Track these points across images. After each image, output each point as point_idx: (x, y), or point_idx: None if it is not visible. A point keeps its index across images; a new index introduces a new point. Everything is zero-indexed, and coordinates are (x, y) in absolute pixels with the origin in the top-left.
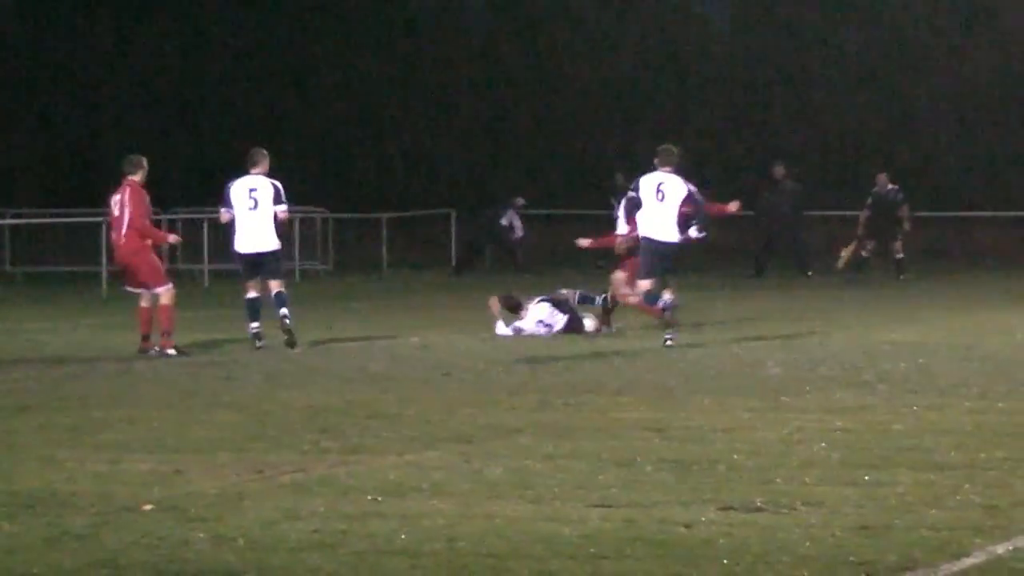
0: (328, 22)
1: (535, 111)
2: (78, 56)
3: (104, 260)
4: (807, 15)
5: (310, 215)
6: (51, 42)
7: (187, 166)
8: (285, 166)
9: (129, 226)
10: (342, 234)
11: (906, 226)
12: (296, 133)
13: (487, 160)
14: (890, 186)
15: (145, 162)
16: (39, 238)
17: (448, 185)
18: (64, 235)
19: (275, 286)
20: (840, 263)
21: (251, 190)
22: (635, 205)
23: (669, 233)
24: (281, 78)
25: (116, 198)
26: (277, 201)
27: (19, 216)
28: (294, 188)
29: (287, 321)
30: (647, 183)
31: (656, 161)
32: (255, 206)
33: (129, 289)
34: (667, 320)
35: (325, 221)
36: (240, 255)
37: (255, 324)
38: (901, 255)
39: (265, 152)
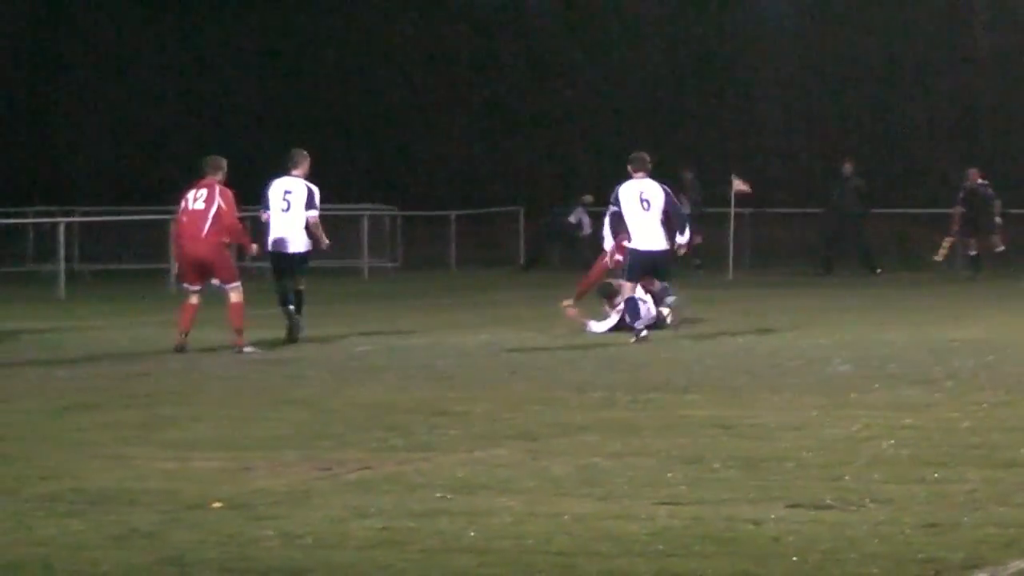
0: (398, 21)
1: (602, 108)
2: (145, 54)
3: (171, 257)
4: (873, 9)
5: (379, 213)
6: (118, 40)
7: (252, 165)
8: (353, 164)
9: (215, 223)
10: (411, 232)
11: (997, 220)
12: (365, 131)
13: (556, 157)
14: (980, 181)
15: (225, 164)
16: (106, 236)
17: (517, 182)
18: (131, 233)
19: (297, 283)
20: (939, 256)
21: (286, 192)
22: (619, 218)
23: (659, 241)
24: (350, 76)
25: (198, 193)
26: (309, 206)
27: (86, 214)
28: (363, 186)
29: (295, 316)
30: (627, 194)
31: (630, 168)
32: (288, 208)
33: (189, 286)
34: (642, 326)
35: (394, 219)
36: (270, 253)
37: (290, 306)
38: (1001, 247)
39: (305, 154)
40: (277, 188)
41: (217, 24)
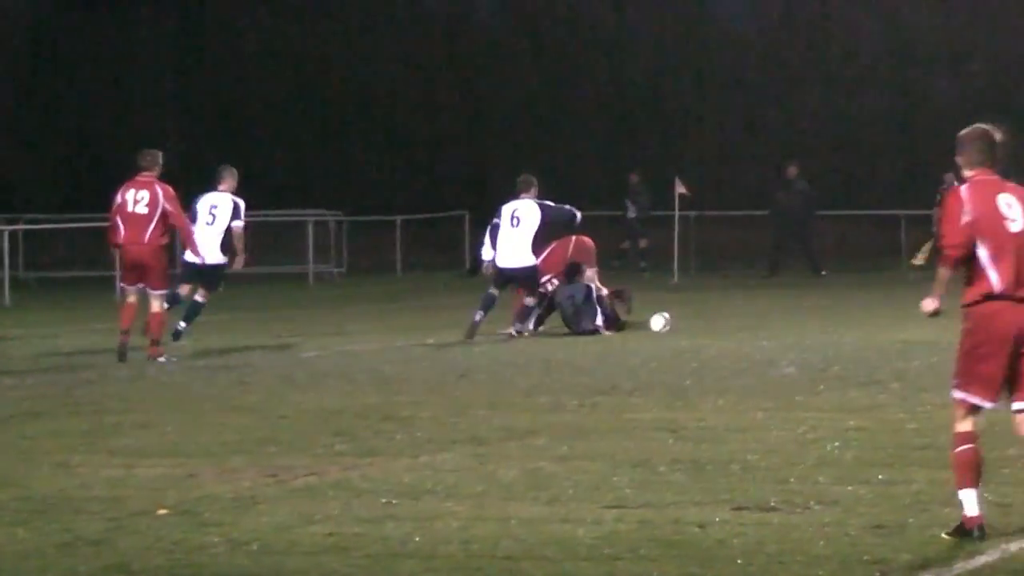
0: (343, 23)
1: (550, 112)
2: (89, 58)
3: (118, 264)
4: (823, 14)
5: (324, 218)
6: (61, 45)
7: (199, 168)
8: (298, 168)
9: (158, 227)
10: (356, 237)
11: None
12: (309, 135)
13: (501, 161)
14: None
15: (161, 157)
16: (51, 243)
17: (462, 186)
18: (76, 240)
19: (201, 296)
20: (918, 259)
21: (212, 207)
22: (496, 230)
23: (523, 258)
24: (295, 80)
25: (139, 195)
26: (235, 217)
27: (31, 221)
28: (307, 191)
29: (183, 328)
30: (505, 211)
31: (518, 191)
32: (212, 221)
33: (128, 287)
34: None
35: (339, 224)
36: (187, 263)
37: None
38: None
39: (233, 170)
40: (204, 203)
41: (163, 30)
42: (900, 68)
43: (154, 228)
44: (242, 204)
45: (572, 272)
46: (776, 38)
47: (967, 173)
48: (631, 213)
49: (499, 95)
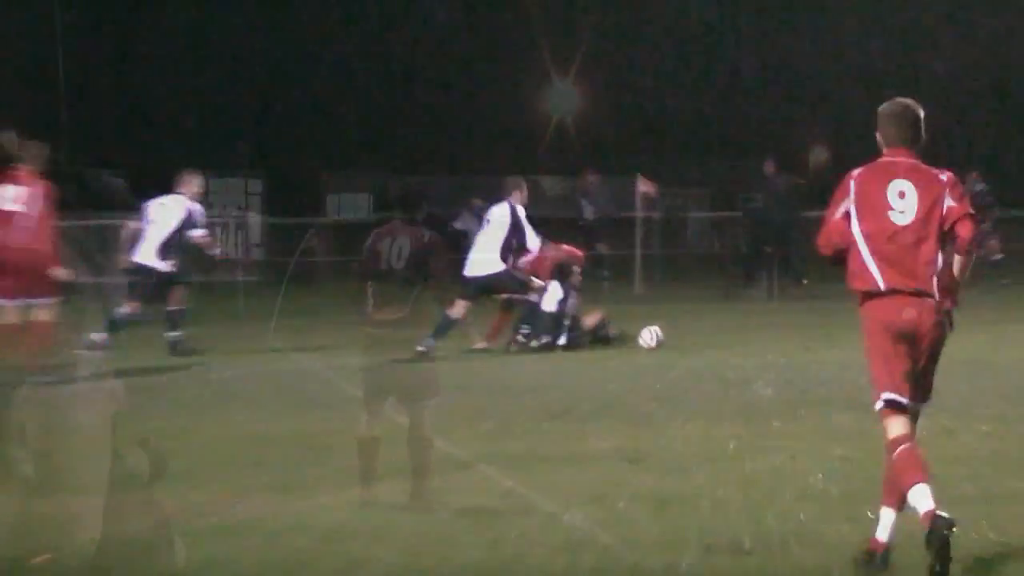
0: (301, 30)
1: (504, 110)
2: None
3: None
4: (797, 3)
5: (243, 221)
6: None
7: (138, 174)
8: (234, 175)
9: (41, 226)
10: (281, 243)
11: (983, 225)
12: (252, 143)
13: (441, 159)
14: (980, 186)
15: (46, 151)
16: None
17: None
18: None
19: (175, 302)
20: None
21: (160, 204)
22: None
23: (492, 265)
24: (268, 84)
25: (17, 191)
26: (189, 225)
27: None
28: (233, 196)
29: (99, 338)
30: (487, 215)
31: (501, 192)
32: (155, 222)
33: (6, 302)
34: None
35: (264, 227)
36: (132, 263)
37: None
38: (1000, 255)
39: (193, 175)
40: (156, 203)
41: (96, 29)
42: (893, 59)
43: (37, 231)
44: (198, 210)
45: (562, 273)
46: (747, 25)
47: (884, 151)
48: (587, 215)
49: (447, 89)
